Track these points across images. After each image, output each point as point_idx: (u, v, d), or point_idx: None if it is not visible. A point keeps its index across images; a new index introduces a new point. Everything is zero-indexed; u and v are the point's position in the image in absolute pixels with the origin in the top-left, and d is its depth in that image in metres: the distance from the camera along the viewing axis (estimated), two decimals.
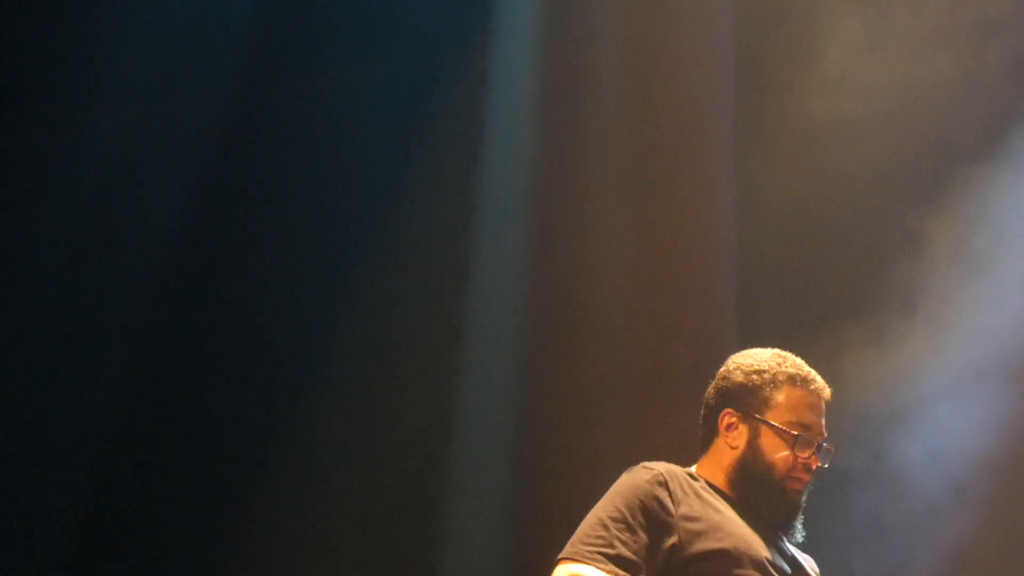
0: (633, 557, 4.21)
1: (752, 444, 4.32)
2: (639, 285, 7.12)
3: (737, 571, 4.22)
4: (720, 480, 4.36)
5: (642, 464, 4.38)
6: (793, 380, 4.34)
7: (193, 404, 8.51)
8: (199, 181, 8.56)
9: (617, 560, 4.19)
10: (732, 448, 4.35)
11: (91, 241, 8.60)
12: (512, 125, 7.72)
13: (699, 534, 4.25)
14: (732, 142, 7.28)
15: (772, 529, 4.32)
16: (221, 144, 8.55)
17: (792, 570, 4.32)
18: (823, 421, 4.34)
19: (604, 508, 4.30)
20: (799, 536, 4.39)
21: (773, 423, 4.29)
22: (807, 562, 4.48)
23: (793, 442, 4.29)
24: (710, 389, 4.45)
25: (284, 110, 8.57)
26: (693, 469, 4.41)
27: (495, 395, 7.53)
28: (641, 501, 4.27)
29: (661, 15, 7.25)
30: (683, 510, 4.27)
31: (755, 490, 4.32)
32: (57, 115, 8.65)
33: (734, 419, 4.35)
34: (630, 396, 6.99)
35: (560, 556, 4.27)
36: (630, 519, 4.25)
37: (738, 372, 4.38)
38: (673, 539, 4.24)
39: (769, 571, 4.24)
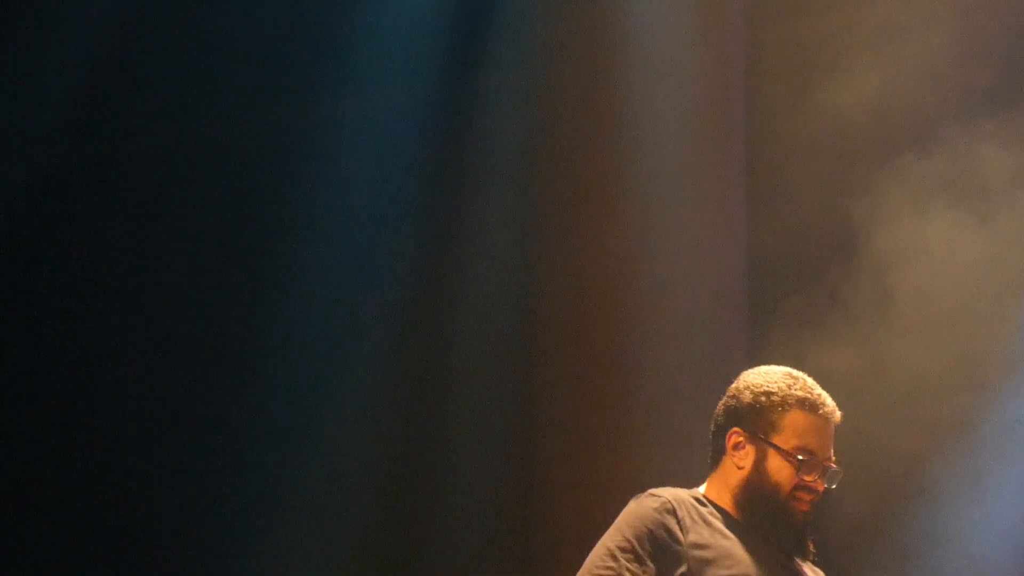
0: None
1: (759, 466, 4.33)
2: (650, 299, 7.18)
3: None
4: (727, 501, 4.37)
5: (649, 491, 4.38)
6: (802, 404, 4.34)
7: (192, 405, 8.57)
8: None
9: None
10: (739, 468, 4.36)
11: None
12: (511, 124, 7.86)
13: (709, 562, 4.26)
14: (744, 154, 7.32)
15: (780, 552, 4.34)
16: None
17: None
18: (831, 444, 4.35)
19: (612, 537, 4.30)
20: (809, 555, 4.41)
21: (779, 446, 4.30)
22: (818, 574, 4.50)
23: (798, 466, 4.29)
24: (719, 406, 4.45)
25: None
26: (702, 489, 4.42)
27: (499, 407, 7.72)
28: (649, 530, 4.28)
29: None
30: (692, 538, 4.28)
31: (761, 512, 4.33)
32: None
33: (741, 439, 4.35)
34: (640, 414, 7.04)
35: None
36: (639, 549, 4.26)
37: (748, 392, 4.38)
38: (682, 568, 4.25)
39: None
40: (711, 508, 4.36)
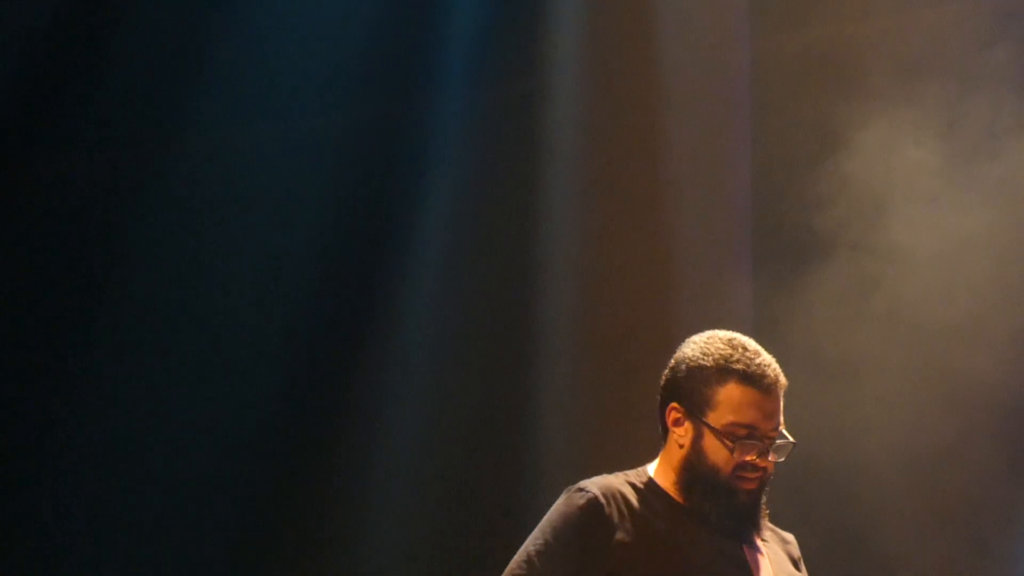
0: None
1: (695, 444, 4.03)
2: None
3: None
4: (670, 482, 4.08)
5: (577, 486, 4.11)
6: (739, 376, 4.00)
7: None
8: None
9: None
10: (680, 447, 4.05)
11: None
12: (508, 126, 7.80)
13: (633, 562, 4.00)
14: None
15: (723, 536, 4.03)
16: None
17: (746, 574, 4.03)
18: (774, 418, 4.01)
19: (533, 540, 4.08)
20: (760, 533, 4.10)
21: (712, 425, 3.99)
22: (783, 548, 4.23)
23: (732, 447, 3.98)
24: (662, 377, 4.14)
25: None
26: (652, 467, 4.14)
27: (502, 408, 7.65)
28: (571, 531, 4.04)
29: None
30: (619, 536, 4.01)
31: (702, 494, 4.03)
32: None
33: (679, 415, 4.05)
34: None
35: None
36: (558, 551, 4.03)
37: (683, 364, 4.06)
38: (606, 569, 4.00)
39: None
40: (651, 493, 4.07)
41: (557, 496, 4.22)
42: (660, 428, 4.11)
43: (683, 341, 4.19)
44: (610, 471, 4.24)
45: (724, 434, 3.96)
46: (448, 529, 8.00)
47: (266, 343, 8.49)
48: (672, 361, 4.11)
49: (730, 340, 4.07)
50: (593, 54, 7.08)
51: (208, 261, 8.56)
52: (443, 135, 8.32)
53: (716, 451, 3.98)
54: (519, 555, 4.05)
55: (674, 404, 4.04)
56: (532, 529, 4.14)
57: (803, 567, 4.24)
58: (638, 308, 6.92)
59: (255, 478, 8.36)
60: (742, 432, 3.96)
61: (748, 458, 3.96)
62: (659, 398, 4.11)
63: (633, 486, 4.07)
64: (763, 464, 3.97)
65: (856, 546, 7.05)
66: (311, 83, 8.35)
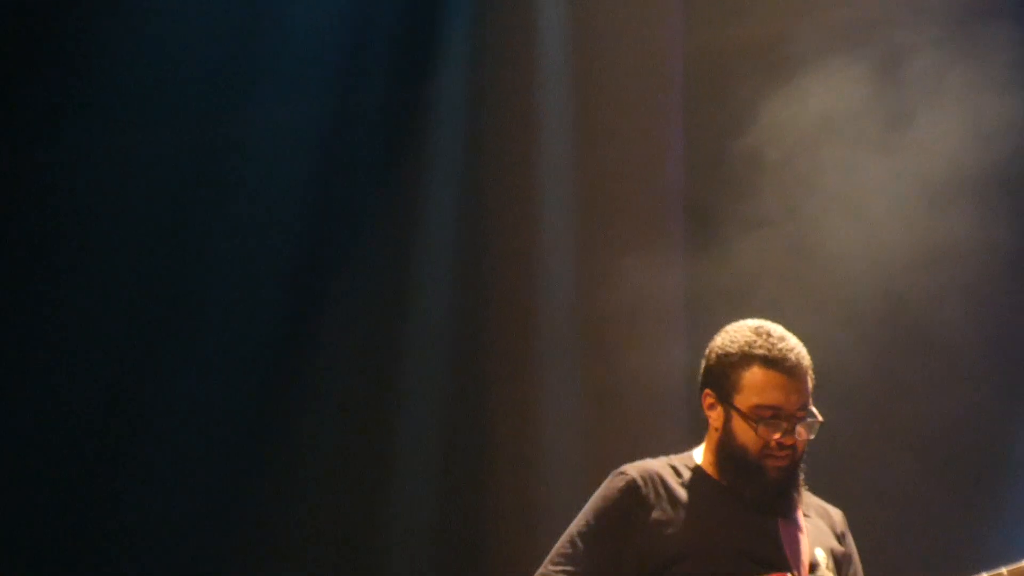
0: (600, 570, 4.28)
1: (727, 427, 4.30)
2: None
3: (709, 569, 4.22)
4: (710, 463, 4.36)
5: (619, 469, 4.38)
6: (763, 360, 4.27)
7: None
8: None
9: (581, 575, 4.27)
10: (715, 430, 4.34)
11: None
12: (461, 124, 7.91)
13: (670, 539, 4.26)
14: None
15: (758, 512, 4.28)
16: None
17: (778, 549, 4.28)
18: (799, 397, 4.27)
19: (576, 522, 4.35)
20: (796, 511, 4.34)
21: (738, 407, 4.26)
22: (825, 522, 4.47)
23: (757, 426, 4.24)
24: (700, 367, 4.46)
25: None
26: (696, 451, 4.43)
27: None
28: (611, 511, 4.31)
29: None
30: (655, 515, 4.28)
31: (734, 472, 4.30)
32: None
33: (712, 399, 4.34)
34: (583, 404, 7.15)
35: None
36: (599, 532, 4.31)
37: (713, 352, 4.36)
38: (644, 547, 4.26)
39: (741, 563, 4.25)
40: (691, 474, 4.35)
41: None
42: (703, 411, 4.40)
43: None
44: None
45: (750, 416, 4.22)
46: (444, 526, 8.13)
47: (236, 343, 8.58)
48: (706, 351, 4.39)
49: (756, 328, 4.35)
50: (532, 50, 7.40)
51: (182, 255, 8.61)
52: (402, 127, 8.45)
53: (744, 432, 4.24)
54: (564, 537, 4.33)
55: (707, 390, 4.32)
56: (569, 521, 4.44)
57: (849, 540, 4.49)
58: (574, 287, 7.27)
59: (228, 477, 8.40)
60: (767, 413, 4.21)
61: (775, 437, 4.21)
62: (698, 387, 4.40)
63: (674, 468, 4.35)
64: (790, 442, 4.21)
65: None
66: (276, 75, 8.45)
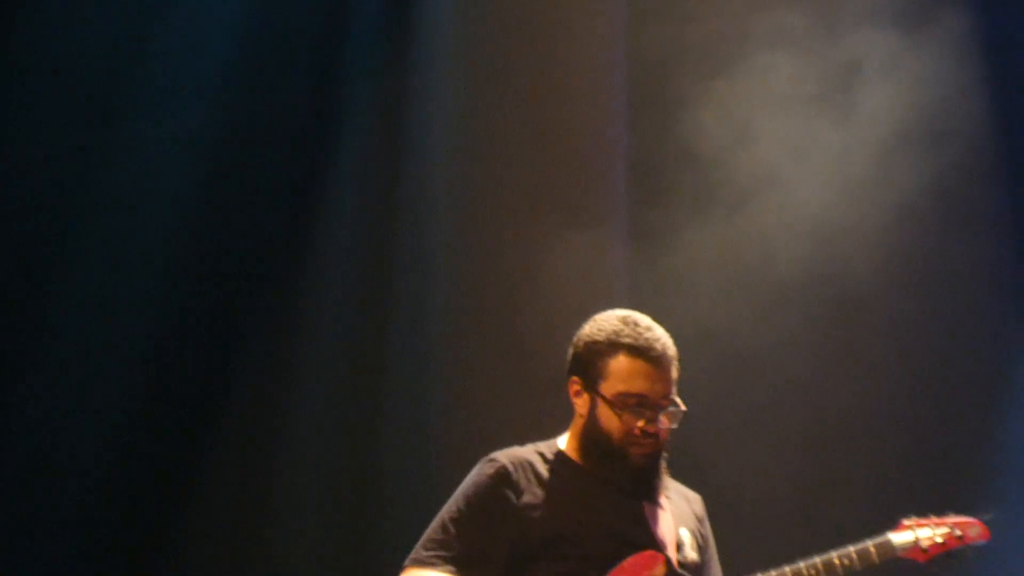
0: (470, 555, 4.33)
1: (592, 414, 4.37)
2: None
3: (579, 551, 4.31)
4: (575, 449, 4.42)
5: (488, 456, 4.45)
6: (629, 349, 4.33)
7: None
8: None
9: (455, 560, 4.32)
10: (581, 416, 4.40)
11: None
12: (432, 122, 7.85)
13: (541, 523, 4.33)
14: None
15: (623, 495, 4.37)
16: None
17: (645, 531, 4.38)
18: (664, 386, 4.34)
19: (447, 508, 4.41)
20: (659, 496, 4.43)
21: (604, 395, 4.32)
22: (687, 505, 4.57)
23: (622, 414, 4.31)
24: (567, 354, 4.49)
25: None
26: (561, 438, 4.49)
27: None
28: (482, 497, 4.37)
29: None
30: (525, 499, 4.35)
31: (598, 459, 4.37)
32: None
33: (578, 387, 4.40)
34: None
35: (405, 562, 4.40)
36: (471, 517, 4.36)
37: (581, 340, 4.41)
38: (515, 531, 4.33)
39: (609, 547, 4.33)
40: (558, 460, 4.42)
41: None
42: (568, 397, 4.46)
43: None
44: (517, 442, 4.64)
45: (615, 403, 4.30)
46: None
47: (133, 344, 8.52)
48: (574, 338, 4.44)
49: (623, 317, 4.41)
50: (480, 46, 7.46)
51: (86, 263, 8.52)
52: (327, 128, 8.45)
53: (609, 419, 4.32)
54: (435, 522, 4.40)
55: (574, 377, 4.40)
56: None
57: (707, 524, 4.59)
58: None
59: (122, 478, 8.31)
60: (632, 401, 4.30)
61: (639, 425, 4.29)
62: (567, 369, 4.45)
63: (542, 455, 4.42)
64: (653, 430, 4.30)
65: None
66: (190, 81, 8.42)
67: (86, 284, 8.44)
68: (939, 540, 4.54)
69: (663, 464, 4.42)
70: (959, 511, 4.61)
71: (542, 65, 7.38)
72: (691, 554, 4.46)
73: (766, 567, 4.52)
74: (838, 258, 7.39)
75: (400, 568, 4.46)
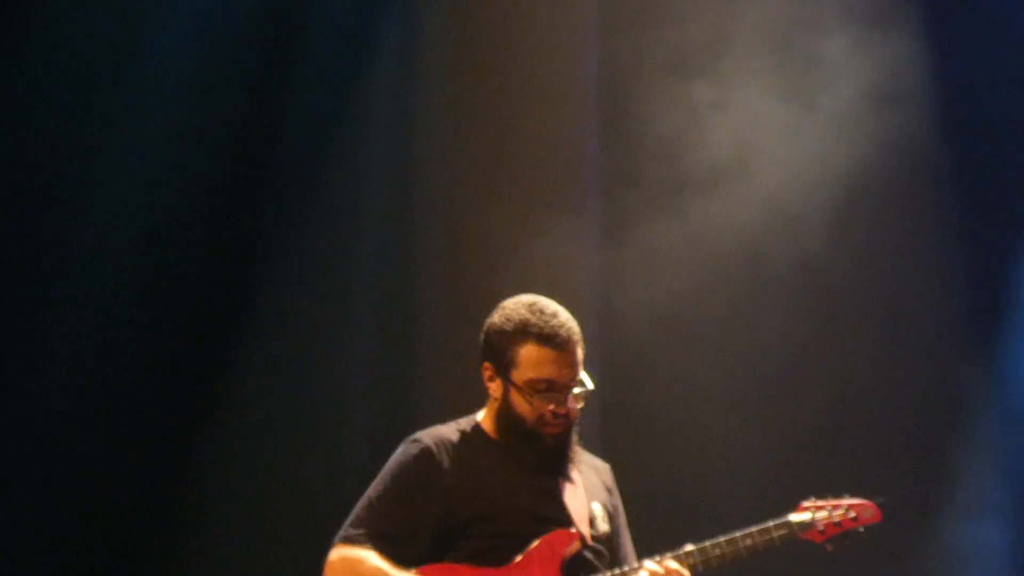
0: (396, 532, 4.59)
1: (505, 398, 4.63)
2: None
3: (497, 527, 4.59)
4: (492, 428, 4.69)
5: (411, 437, 4.71)
6: (537, 338, 4.59)
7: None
8: None
9: (380, 538, 4.58)
10: (495, 399, 4.67)
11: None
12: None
13: (462, 501, 4.60)
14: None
15: (538, 472, 4.65)
16: None
17: (560, 507, 4.65)
18: (570, 370, 4.60)
19: (374, 487, 4.67)
20: (572, 470, 4.71)
21: (515, 381, 4.59)
22: (597, 477, 4.84)
23: (532, 399, 4.58)
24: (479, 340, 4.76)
25: None
26: (479, 415, 4.75)
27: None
28: (406, 477, 4.63)
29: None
30: (447, 479, 4.62)
31: (513, 439, 4.65)
32: None
33: (491, 372, 4.67)
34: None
35: (335, 539, 4.65)
36: (397, 496, 4.63)
37: (490, 328, 4.68)
38: (439, 508, 4.60)
39: (525, 523, 4.61)
40: (477, 437, 4.70)
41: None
42: (482, 379, 4.72)
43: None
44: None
45: (526, 389, 4.57)
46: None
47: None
48: (484, 326, 4.70)
49: (530, 305, 4.66)
50: (459, 50, 7.76)
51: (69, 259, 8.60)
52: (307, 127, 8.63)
53: (521, 404, 4.60)
54: (362, 501, 4.66)
55: (487, 363, 4.66)
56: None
57: (616, 492, 4.86)
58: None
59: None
60: (541, 386, 4.57)
61: (549, 408, 4.57)
62: (480, 355, 4.71)
63: (463, 433, 4.69)
64: (564, 411, 4.58)
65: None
66: (172, 79, 8.50)
67: (74, 281, 8.50)
68: (835, 521, 4.74)
69: (574, 439, 4.69)
70: (855, 494, 4.83)
71: (518, 65, 7.65)
72: (603, 526, 4.72)
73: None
74: (796, 238, 7.70)
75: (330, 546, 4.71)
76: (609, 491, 4.85)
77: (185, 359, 8.49)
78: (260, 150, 8.60)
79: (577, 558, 4.65)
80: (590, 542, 4.68)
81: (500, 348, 4.64)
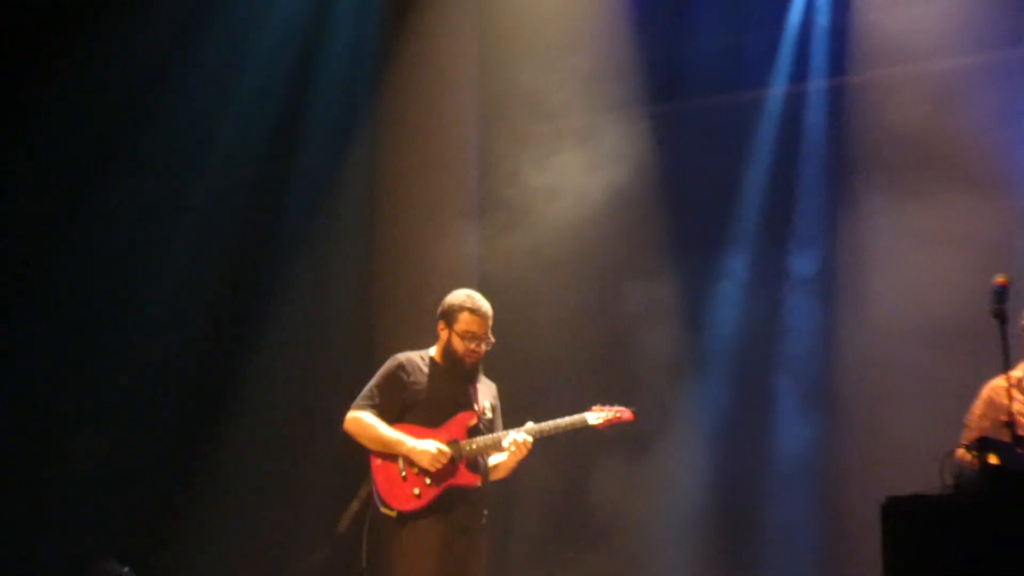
0: (384, 406, 7.48)
1: (448, 340, 7.77)
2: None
3: (434, 407, 7.39)
4: (439, 355, 7.76)
5: (394, 356, 7.70)
6: (469, 311, 7.61)
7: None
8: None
9: (375, 407, 7.55)
10: (443, 340, 7.74)
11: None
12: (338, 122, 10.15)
13: (416, 393, 7.52)
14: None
15: (461, 380, 7.66)
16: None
17: (469, 401, 7.54)
18: (484, 329, 7.54)
19: (375, 380, 7.64)
20: (477, 383, 7.73)
21: (456, 331, 7.67)
22: (489, 389, 7.64)
23: (463, 343, 7.62)
24: (438, 310, 7.52)
25: None
26: (432, 350, 7.66)
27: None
28: (391, 377, 7.65)
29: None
30: (411, 379, 7.63)
31: (450, 362, 7.73)
32: None
33: (443, 325, 7.75)
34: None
35: (351, 407, 7.53)
36: (385, 387, 7.61)
37: (445, 303, 7.67)
38: (405, 394, 7.62)
39: (449, 407, 7.41)
40: (430, 360, 7.65)
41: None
42: (437, 330, 7.61)
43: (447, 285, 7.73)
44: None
45: (461, 336, 7.69)
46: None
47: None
48: (442, 302, 7.57)
49: (468, 294, 7.63)
50: (393, 115, 9.89)
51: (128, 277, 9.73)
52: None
53: (458, 343, 7.69)
54: (366, 389, 7.53)
55: (441, 322, 7.74)
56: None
57: (497, 399, 7.66)
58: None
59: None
60: (468, 336, 7.66)
61: (471, 347, 7.64)
62: (437, 317, 7.54)
63: (421, 357, 7.66)
64: (478, 350, 7.69)
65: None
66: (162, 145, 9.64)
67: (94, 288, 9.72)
68: (610, 417, 7.63)
69: (480, 367, 7.63)
70: (621, 404, 7.67)
71: (425, 127, 9.64)
72: (489, 414, 7.64)
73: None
74: (589, 238, 9.97)
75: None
76: (494, 397, 7.69)
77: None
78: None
79: (474, 428, 7.51)
80: (482, 420, 7.55)
81: (449, 314, 7.61)
